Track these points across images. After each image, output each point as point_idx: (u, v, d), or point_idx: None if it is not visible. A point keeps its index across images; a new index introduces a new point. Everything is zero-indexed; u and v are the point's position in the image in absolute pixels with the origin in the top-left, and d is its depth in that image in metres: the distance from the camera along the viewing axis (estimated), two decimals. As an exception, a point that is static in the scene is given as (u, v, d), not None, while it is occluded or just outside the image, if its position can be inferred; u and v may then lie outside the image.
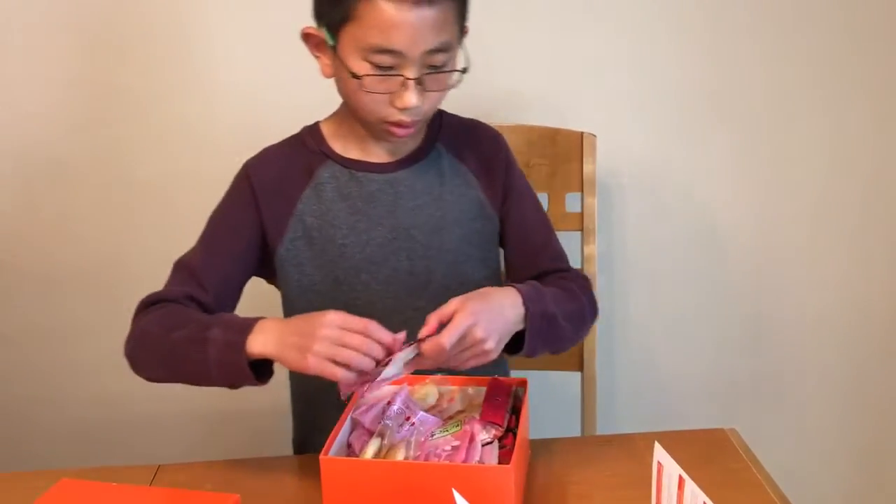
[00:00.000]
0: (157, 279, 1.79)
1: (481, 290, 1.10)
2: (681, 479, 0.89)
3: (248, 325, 1.06)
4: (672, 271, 1.87)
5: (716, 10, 1.71)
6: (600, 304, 1.51)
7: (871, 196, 1.85)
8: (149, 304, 1.18)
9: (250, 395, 1.87)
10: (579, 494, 1.11)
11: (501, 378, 1.17)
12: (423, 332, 1.03)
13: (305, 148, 1.25)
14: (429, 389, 1.15)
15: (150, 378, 1.16)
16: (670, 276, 1.87)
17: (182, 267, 1.23)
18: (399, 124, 1.14)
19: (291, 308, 1.28)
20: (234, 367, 1.05)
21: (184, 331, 1.10)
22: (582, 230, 1.61)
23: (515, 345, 1.14)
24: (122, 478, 1.06)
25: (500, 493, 0.97)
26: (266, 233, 1.23)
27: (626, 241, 1.85)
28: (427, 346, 1.02)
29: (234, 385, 1.08)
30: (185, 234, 1.76)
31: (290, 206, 1.22)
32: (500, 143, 1.31)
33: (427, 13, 1.06)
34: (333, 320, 1.01)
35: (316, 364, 0.99)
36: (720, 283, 1.88)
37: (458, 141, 1.28)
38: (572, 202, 1.62)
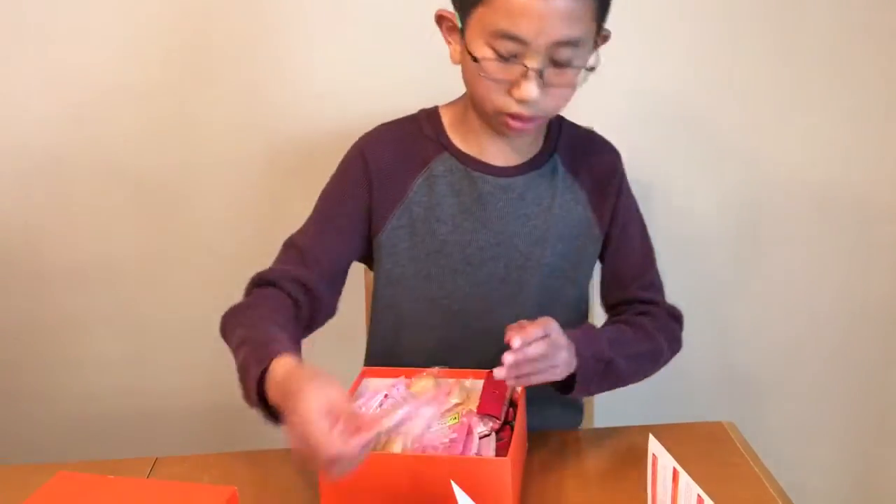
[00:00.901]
0: (153, 275, 1.82)
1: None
2: (675, 472, 0.89)
3: (266, 367, 0.96)
4: (670, 266, 1.85)
5: (718, 4, 1.71)
6: (594, 301, 1.51)
7: (871, 192, 1.85)
8: (257, 284, 1.16)
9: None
10: (576, 487, 1.11)
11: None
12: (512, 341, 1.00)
13: (422, 133, 1.21)
14: (426, 382, 1.15)
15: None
16: (668, 270, 1.85)
17: (291, 245, 1.20)
18: (516, 117, 1.09)
19: (377, 298, 1.27)
20: (251, 399, 1.01)
21: (239, 338, 1.05)
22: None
23: (567, 385, 1.12)
24: (119, 471, 1.06)
25: (498, 485, 0.97)
26: (372, 216, 1.20)
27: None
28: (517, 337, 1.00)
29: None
30: (184, 230, 1.78)
31: (402, 193, 1.19)
32: (616, 162, 1.28)
33: (559, 4, 1.01)
34: (295, 434, 0.87)
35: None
36: (718, 277, 1.88)
37: (575, 153, 1.24)
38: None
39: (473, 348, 1.24)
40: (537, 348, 1.01)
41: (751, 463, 1.14)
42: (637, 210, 1.30)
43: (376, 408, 1.10)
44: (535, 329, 1.01)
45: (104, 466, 1.08)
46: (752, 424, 1.29)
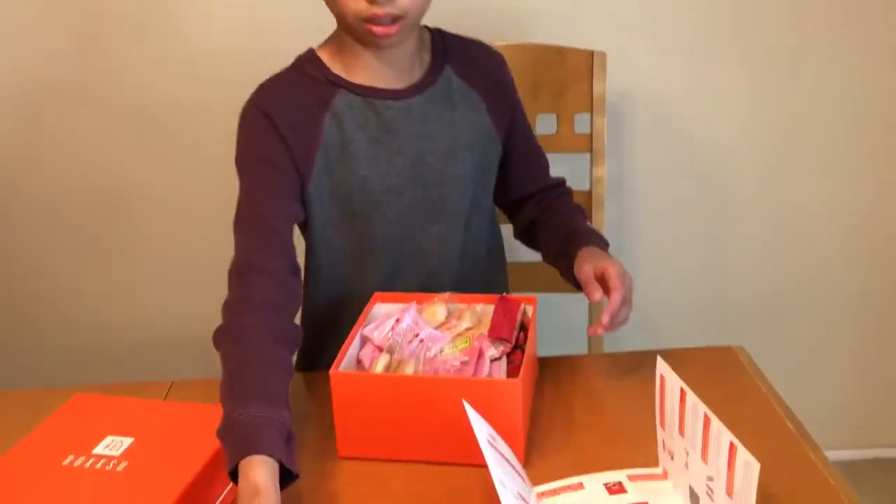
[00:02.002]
0: (163, 204, 1.81)
1: (595, 252, 1.17)
2: (682, 392, 0.90)
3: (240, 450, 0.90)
4: (681, 194, 1.86)
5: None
6: (607, 228, 1.51)
7: (885, 126, 1.82)
8: (238, 308, 1.08)
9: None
10: (585, 410, 1.12)
11: (510, 296, 1.17)
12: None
13: (309, 77, 1.19)
14: (437, 307, 1.15)
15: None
16: (679, 198, 1.86)
17: (247, 222, 1.14)
18: (375, 20, 1.08)
19: (310, 248, 1.26)
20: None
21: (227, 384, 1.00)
22: (591, 152, 1.60)
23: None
24: (135, 394, 1.08)
25: (509, 407, 0.98)
26: (297, 170, 1.17)
27: (636, 164, 1.83)
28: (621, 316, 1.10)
29: None
30: (191, 159, 1.78)
31: (315, 140, 1.17)
32: (504, 65, 1.31)
33: None
34: None
35: None
36: (730, 206, 1.87)
37: (465, 63, 1.25)
38: (581, 123, 1.60)
39: (413, 270, 1.26)
40: (624, 313, 1.10)
41: (760, 385, 1.15)
42: (524, 114, 1.34)
43: (388, 332, 1.11)
44: (616, 300, 1.09)
45: (120, 389, 1.10)
46: (762, 351, 1.30)
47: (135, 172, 1.80)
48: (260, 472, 0.86)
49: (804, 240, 1.90)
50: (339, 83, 1.18)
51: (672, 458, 0.95)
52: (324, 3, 1.12)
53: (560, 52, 1.57)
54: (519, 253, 1.46)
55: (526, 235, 1.37)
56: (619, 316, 1.10)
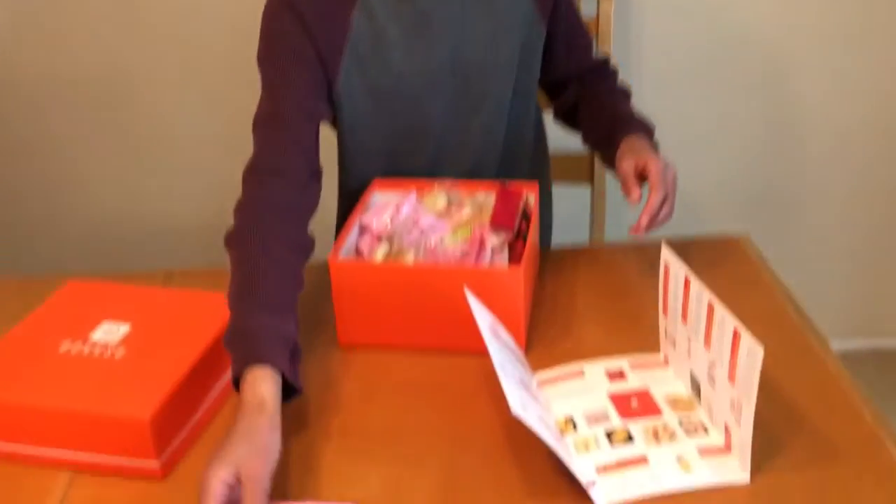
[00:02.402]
0: (166, 92, 1.76)
1: (638, 145, 1.11)
2: (686, 280, 0.89)
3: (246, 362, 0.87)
4: (688, 78, 1.81)
5: None
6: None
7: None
8: (250, 211, 1.02)
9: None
10: (587, 299, 1.11)
11: (511, 184, 1.14)
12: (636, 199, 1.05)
13: None
14: (437, 196, 1.13)
15: None
16: (686, 82, 1.81)
17: (266, 120, 1.08)
18: None
19: (342, 148, 1.21)
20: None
21: (236, 280, 0.96)
22: (597, 34, 1.54)
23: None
24: (132, 282, 1.06)
25: (510, 295, 0.97)
26: (323, 66, 1.11)
27: (642, 47, 1.78)
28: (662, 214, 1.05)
29: None
30: (192, 45, 1.72)
31: (343, 32, 1.10)
32: None
33: None
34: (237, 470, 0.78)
35: None
36: (739, 91, 1.82)
37: None
38: (587, 5, 1.54)
39: (455, 163, 1.21)
40: (666, 210, 1.05)
41: (764, 274, 1.14)
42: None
43: (387, 221, 1.09)
44: (655, 200, 1.03)
45: (116, 278, 1.08)
46: (767, 240, 1.28)
47: (139, 59, 1.75)
48: (263, 384, 0.84)
49: (809, 128, 1.86)
50: None
51: (674, 345, 0.94)
52: None
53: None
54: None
55: (567, 117, 1.30)
56: (660, 215, 1.05)
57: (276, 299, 0.94)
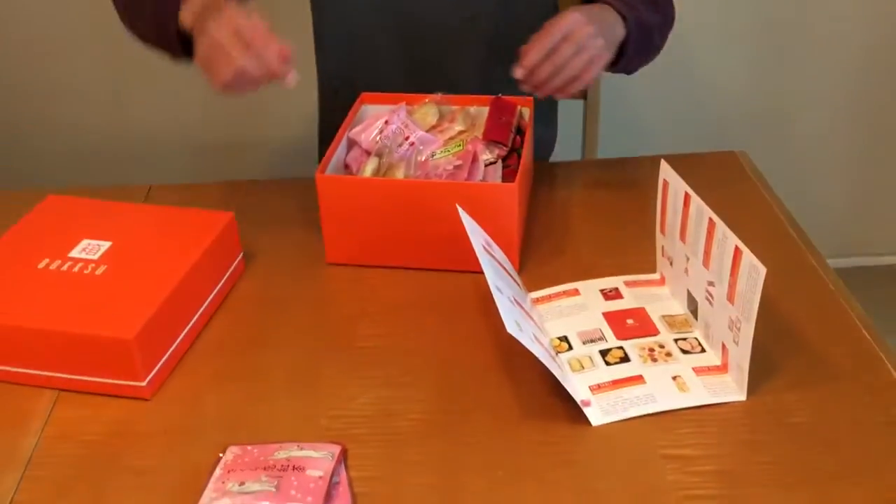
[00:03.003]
0: None
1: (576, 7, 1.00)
2: (686, 196, 0.86)
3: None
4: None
5: None
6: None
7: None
8: None
9: (248, 127, 1.83)
10: (582, 217, 1.08)
11: (505, 97, 1.10)
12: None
13: None
14: (428, 109, 1.09)
15: (128, 27, 1.07)
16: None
17: None
18: None
19: (322, 16, 1.19)
20: (165, 32, 0.97)
21: None
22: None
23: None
24: (111, 198, 1.02)
25: (504, 212, 0.94)
26: None
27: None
28: (530, 51, 0.95)
29: (169, 52, 1.01)
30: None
31: None
32: None
33: None
34: (225, 45, 0.88)
35: (223, 90, 0.90)
36: (727, 7, 1.77)
37: None
38: None
39: (443, 67, 1.16)
40: (564, 51, 0.95)
41: (762, 191, 1.11)
42: None
43: (376, 135, 1.05)
44: (548, 38, 0.94)
45: (96, 193, 1.04)
46: (764, 156, 1.25)
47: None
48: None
49: (804, 43, 1.82)
50: None
51: (671, 264, 0.92)
52: None
53: None
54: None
55: None
56: (541, 70, 0.96)
57: None
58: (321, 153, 1.30)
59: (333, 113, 1.14)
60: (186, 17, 0.95)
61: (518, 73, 0.97)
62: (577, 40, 0.95)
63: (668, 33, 1.15)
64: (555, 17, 0.97)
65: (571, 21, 0.96)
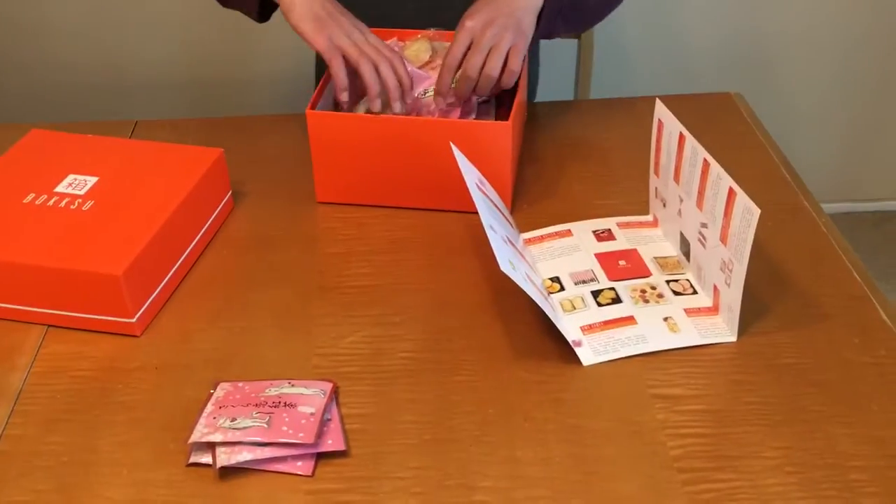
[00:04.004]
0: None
1: None
2: (681, 137, 0.85)
3: None
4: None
5: None
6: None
7: None
8: None
9: (235, 65, 1.79)
10: (575, 157, 1.07)
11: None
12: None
13: None
14: (421, 45, 1.06)
15: None
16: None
17: None
18: None
19: None
20: None
21: None
22: None
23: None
24: (96, 132, 1.00)
25: (498, 151, 0.93)
26: None
27: None
28: (438, 79, 0.95)
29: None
30: None
31: None
32: None
33: None
34: (366, 29, 0.96)
35: (326, 48, 0.93)
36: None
37: None
38: None
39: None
40: (470, 70, 0.93)
41: (757, 133, 1.10)
42: None
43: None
44: (451, 57, 0.94)
45: (81, 128, 1.02)
46: (757, 98, 1.24)
47: None
48: None
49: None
50: None
51: (664, 205, 0.92)
52: None
53: None
54: None
55: None
56: (461, 89, 0.95)
57: None
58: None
59: None
60: None
61: (437, 102, 0.96)
62: (480, 47, 0.93)
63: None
64: (458, 27, 0.95)
65: (469, 30, 0.94)
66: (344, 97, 0.94)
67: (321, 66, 1.22)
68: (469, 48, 0.94)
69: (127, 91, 1.82)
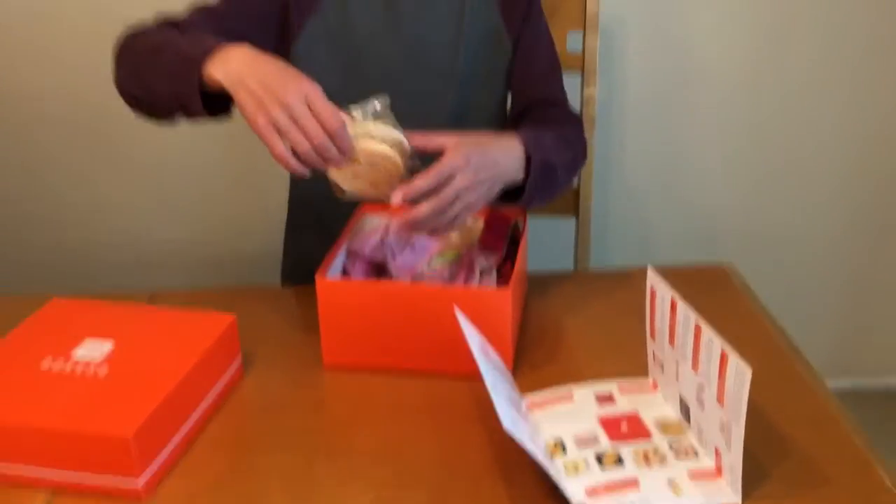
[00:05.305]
0: (147, 126, 1.76)
1: (482, 136, 1.02)
2: (673, 302, 0.89)
3: (216, 47, 0.95)
4: (671, 114, 1.84)
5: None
6: (598, 148, 1.47)
7: (873, 51, 1.80)
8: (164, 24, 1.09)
9: (241, 241, 1.87)
10: (574, 324, 1.11)
11: (500, 209, 1.14)
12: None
13: None
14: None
15: (122, 86, 1.07)
16: (669, 119, 1.84)
17: (198, 10, 1.13)
18: None
19: None
20: (186, 83, 0.95)
21: (161, 39, 1.02)
22: (583, 71, 1.56)
23: (510, 194, 1.05)
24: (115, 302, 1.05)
25: (499, 316, 0.97)
26: (287, 16, 1.16)
27: (627, 84, 1.80)
28: (414, 185, 0.93)
29: (184, 108, 0.98)
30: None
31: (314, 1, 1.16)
32: None
33: None
34: (305, 93, 0.90)
35: (264, 129, 0.89)
36: (719, 126, 1.85)
37: None
38: (573, 42, 1.56)
39: None
40: (424, 210, 0.93)
41: (750, 303, 1.14)
42: (546, 25, 1.28)
43: (378, 243, 1.09)
44: (425, 180, 0.93)
45: (100, 298, 1.06)
46: (747, 271, 1.29)
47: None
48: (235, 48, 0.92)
49: (795, 168, 1.89)
50: None
51: (662, 369, 0.94)
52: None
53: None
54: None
55: None
56: (418, 211, 0.93)
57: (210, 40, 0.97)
58: (286, 250, 1.36)
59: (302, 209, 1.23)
60: (217, 69, 0.93)
61: (396, 198, 0.93)
62: (456, 188, 0.94)
63: (576, 171, 1.19)
64: (447, 153, 0.96)
65: (458, 163, 0.94)
66: (299, 168, 0.92)
67: (293, 219, 1.32)
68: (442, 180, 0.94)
69: (144, 265, 1.88)
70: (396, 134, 0.95)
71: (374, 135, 0.93)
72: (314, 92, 0.90)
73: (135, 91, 1.04)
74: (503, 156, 1.02)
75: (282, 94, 0.89)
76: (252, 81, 0.90)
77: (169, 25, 1.09)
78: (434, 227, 0.97)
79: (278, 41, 1.18)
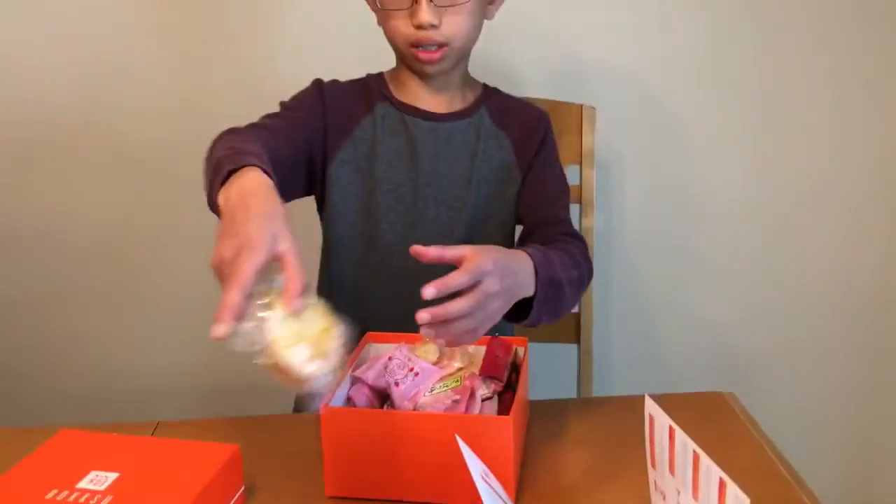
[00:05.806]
0: (160, 250, 1.81)
1: (497, 246, 1.02)
2: (671, 430, 0.89)
3: (239, 169, 0.96)
4: (670, 245, 1.88)
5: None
6: (597, 278, 1.50)
7: (870, 182, 1.86)
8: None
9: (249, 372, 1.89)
10: (576, 451, 1.11)
11: (501, 337, 1.17)
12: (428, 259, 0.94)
13: (369, 86, 1.35)
14: (429, 347, 1.15)
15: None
16: (668, 249, 1.88)
17: (268, 116, 1.26)
18: (419, 43, 1.21)
19: (328, 230, 1.35)
20: (208, 196, 1.02)
21: (222, 144, 1.10)
22: (581, 203, 1.61)
23: (517, 312, 1.06)
24: (121, 432, 1.06)
25: (500, 445, 0.97)
26: (325, 141, 1.29)
27: (625, 215, 1.86)
28: (432, 287, 0.90)
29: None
30: (186, 208, 1.78)
31: (350, 127, 1.31)
32: (544, 118, 1.38)
33: None
34: (232, 243, 0.84)
35: (212, 266, 0.86)
36: (718, 257, 1.89)
37: (503, 111, 1.35)
38: (571, 175, 1.62)
39: (406, 288, 1.21)
40: (461, 304, 0.91)
41: (751, 430, 1.14)
42: (558, 161, 1.39)
43: (381, 370, 1.11)
44: (459, 276, 0.91)
45: (105, 429, 1.08)
46: (750, 401, 1.29)
47: (127, 222, 1.80)
48: (246, 177, 0.94)
49: (796, 297, 1.91)
50: (387, 96, 1.33)
51: (664, 498, 0.94)
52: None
53: (551, 106, 1.60)
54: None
55: None
56: (458, 305, 0.91)
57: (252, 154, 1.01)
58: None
59: None
60: (223, 193, 0.94)
61: (428, 292, 0.90)
62: (485, 290, 0.93)
63: (583, 289, 1.22)
64: (472, 257, 0.94)
65: (487, 266, 0.93)
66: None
67: None
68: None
69: (150, 395, 1.89)
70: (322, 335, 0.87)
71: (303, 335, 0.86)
72: (251, 258, 0.82)
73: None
74: (519, 267, 1.03)
75: (220, 242, 0.86)
76: (228, 219, 0.89)
77: (249, 126, 1.21)
78: (458, 331, 0.93)
79: (309, 169, 1.29)
